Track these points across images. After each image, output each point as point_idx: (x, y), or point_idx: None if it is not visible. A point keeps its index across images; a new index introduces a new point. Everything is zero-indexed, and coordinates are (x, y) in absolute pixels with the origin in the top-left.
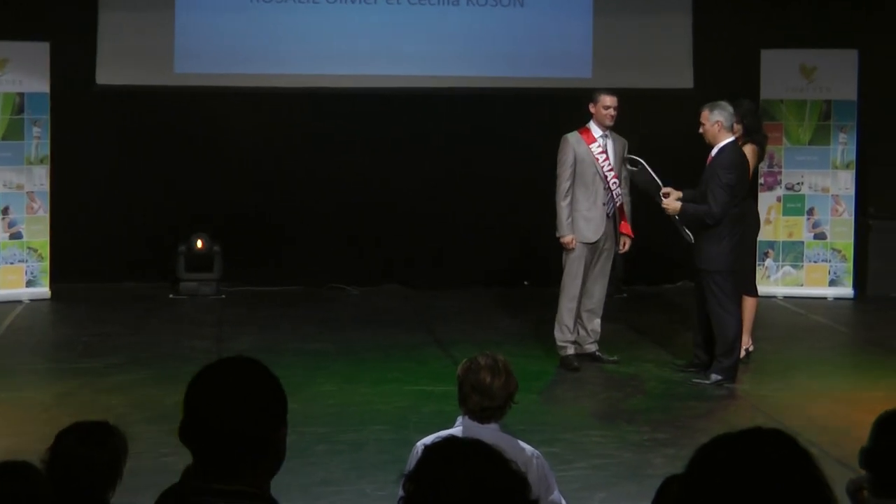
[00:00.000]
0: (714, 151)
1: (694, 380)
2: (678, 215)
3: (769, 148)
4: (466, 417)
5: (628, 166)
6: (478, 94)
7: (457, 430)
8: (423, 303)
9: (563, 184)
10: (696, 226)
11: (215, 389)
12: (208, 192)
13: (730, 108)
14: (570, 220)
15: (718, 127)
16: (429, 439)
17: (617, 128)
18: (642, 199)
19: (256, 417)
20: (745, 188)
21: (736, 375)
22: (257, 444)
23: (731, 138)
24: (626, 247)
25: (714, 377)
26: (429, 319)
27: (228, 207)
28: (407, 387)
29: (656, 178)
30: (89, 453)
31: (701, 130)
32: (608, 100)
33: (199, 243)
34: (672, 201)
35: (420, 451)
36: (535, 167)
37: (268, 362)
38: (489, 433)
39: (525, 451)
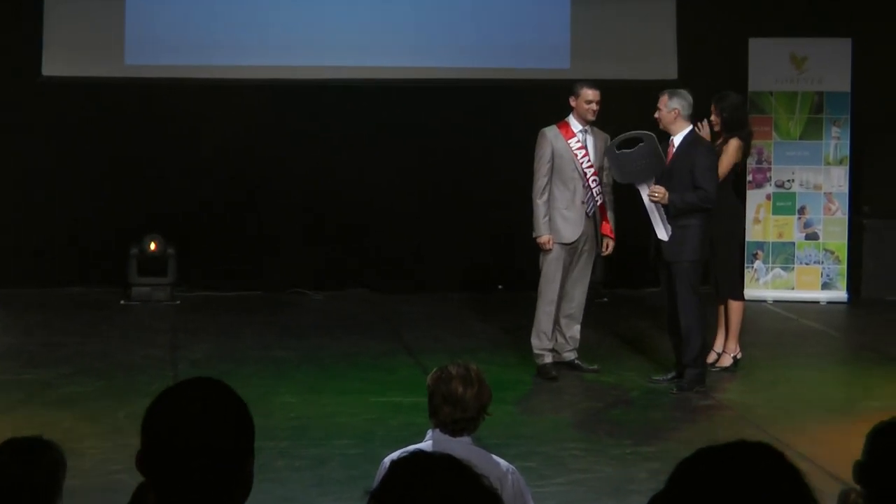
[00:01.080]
0: (677, 140)
1: (675, 389)
2: (666, 206)
3: (757, 143)
4: (437, 430)
5: (620, 150)
6: (449, 86)
7: (426, 445)
8: (391, 308)
9: (540, 181)
10: (678, 215)
11: (178, 414)
12: (162, 191)
13: (689, 99)
14: (546, 219)
15: (675, 115)
16: (396, 454)
17: (596, 122)
18: (624, 195)
19: (224, 445)
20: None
21: (705, 378)
22: (224, 475)
23: (690, 127)
24: (609, 249)
25: (682, 389)
26: (397, 326)
27: (183, 207)
28: (374, 398)
29: (660, 150)
30: (22, 472)
31: (656, 115)
32: (591, 94)
33: (153, 245)
34: (661, 188)
35: (387, 467)
36: (510, 164)
37: (225, 372)
38: (461, 447)
39: (499, 465)
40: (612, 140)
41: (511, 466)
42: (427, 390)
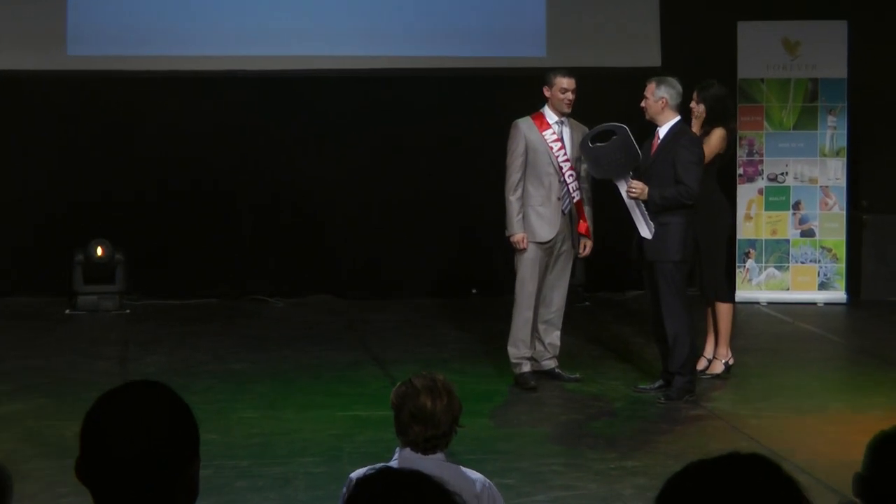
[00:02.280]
0: (663, 132)
1: (663, 398)
2: (645, 202)
3: (748, 134)
4: (407, 449)
5: (594, 144)
6: (417, 76)
7: (394, 464)
8: (358, 315)
9: (513, 176)
10: (659, 212)
11: (117, 418)
12: (109, 192)
13: (679, 88)
14: (520, 216)
15: (663, 104)
16: (362, 471)
17: (574, 113)
18: (604, 190)
19: (165, 450)
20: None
21: (695, 386)
22: (166, 480)
23: (678, 118)
24: (587, 250)
25: (670, 398)
26: (364, 334)
27: (132, 209)
28: (340, 412)
29: (635, 145)
30: None
31: (643, 104)
32: (565, 82)
33: (99, 250)
34: (639, 184)
35: (352, 485)
36: (483, 159)
37: (180, 386)
38: (433, 464)
39: (474, 482)
40: (588, 133)
41: (487, 481)
42: (392, 408)
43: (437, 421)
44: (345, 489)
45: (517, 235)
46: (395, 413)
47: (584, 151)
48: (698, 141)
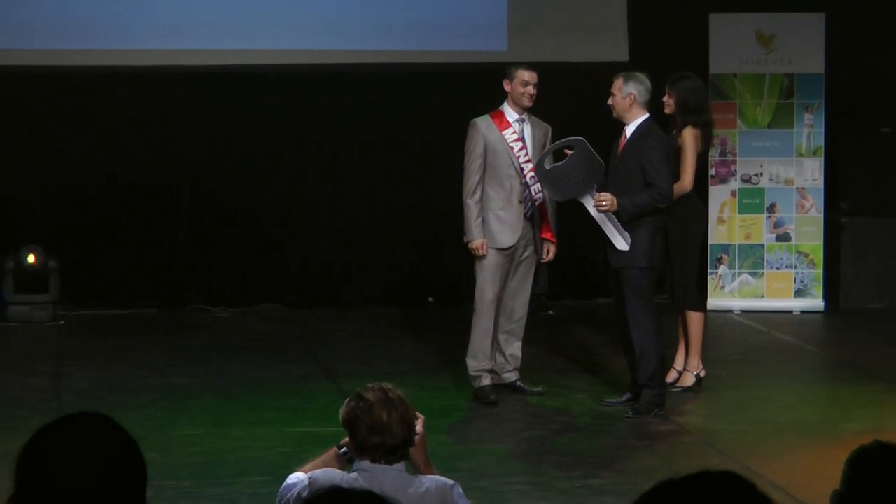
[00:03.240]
0: (630, 130)
1: (631, 412)
2: (616, 212)
3: (721, 132)
4: (366, 461)
5: (548, 165)
6: (368, 72)
7: (353, 477)
8: (308, 325)
9: (472, 178)
10: (631, 218)
11: (57, 456)
12: (41, 195)
13: (647, 84)
14: (479, 221)
15: (631, 101)
16: (301, 476)
17: (537, 111)
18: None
19: (109, 492)
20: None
21: (664, 400)
22: None
23: (646, 115)
24: (551, 255)
25: (639, 412)
26: (314, 346)
27: (67, 213)
28: (289, 428)
29: (596, 155)
30: None
31: (610, 102)
32: (526, 75)
33: (31, 258)
34: (607, 195)
35: (290, 484)
36: (439, 159)
37: (117, 402)
38: (394, 476)
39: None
40: (540, 155)
41: (456, 487)
42: (343, 425)
43: (394, 431)
44: (283, 488)
45: (476, 241)
46: (349, 429)
47: (540, 175)
48: (665, 138)
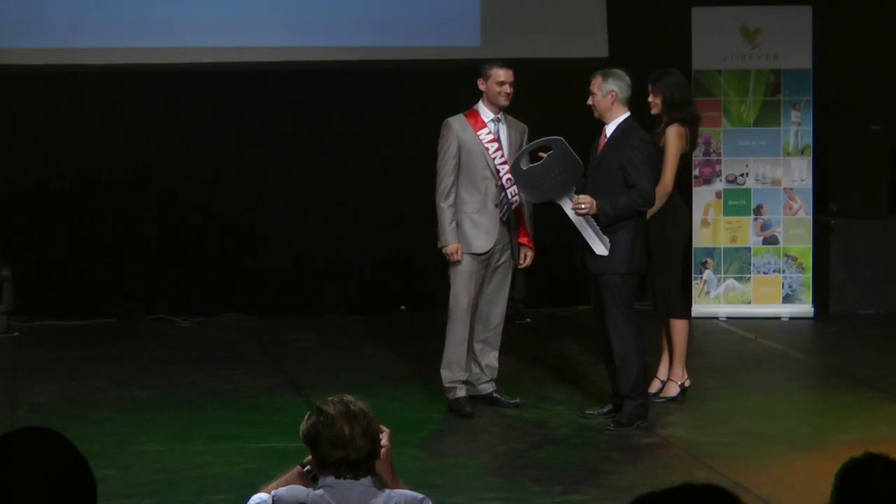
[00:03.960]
0: (610, 129)
1: (612, 424)
2: (596, 216)
3: (705, 130)
4: (331, 477)
5: (525, 166)
6: (336, 70)
7: (318, 494)
8: (273, 335)
9: (445, 180)
10: (610, 222)
11: (5, 470)
12: None
13: (627, 80)
14: (453, 225)
15: (612, 98)
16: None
17: (512, 110)
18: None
19: None
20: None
21: (647, 411)
22: None
23: (627, 114)
24: (528, 260)
25: (621, 424)
26: (280, 356)
27: (21, 219)
28: (253, 444)
29: (574, 154)
30: None
31: (590, 102)
32: (502, 74)
33: None
34: (587, 197)
35: None
36: (410, 160)
37: (75, 417)
38: (361, 490)
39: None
40: (516, 155)
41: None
42: (304, 442)
43: (357, 445)
44: None
45: (450, 247)
46: (311, 446)
47: (516, 176)
48: (646, 137)
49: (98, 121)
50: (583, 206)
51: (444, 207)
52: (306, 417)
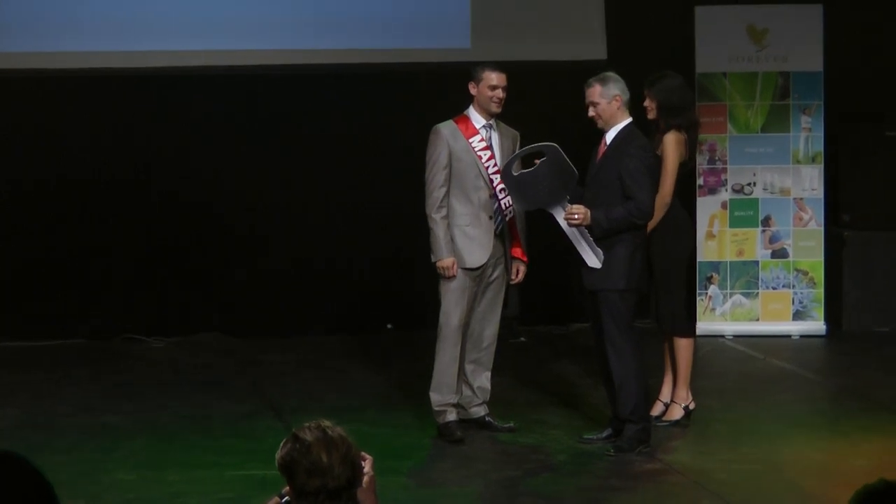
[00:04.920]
0: (611, 136)
1: (612, 450)
2: (590, 227)
3: (709, 137)
4: None
5: (516, 171)
6: (320, 74)
7: None
8: (252, 356)
9: (436, 192)
10: (606, 235)
11: None
12: None
13: (623, 82)
14: (448, 238)
15: (618, 103)
16: None
17: (504, 117)
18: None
19: None
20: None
21: (649, 435)
22: None
23: (629, 119)
24: (521, 275)
25: (621, 449)
26: (260, 379)
27: None
28: (231, 472)
29: (569, 162)
30: None
31: (592, 113)
32: (495, 77)
33: None
34: (580, 207)
35: None
36: (396, 168)
37: (40, 443)
38: None
39: None
40: (508, 159)
41: None
42: (280, 470)
43: (336, 473)
44: None
45: (445, 261)
46: (287, 476)
47: (506, 182)
48: (647, 145)
49: (64, 134)
50: (576, 216)
51: (437, 219)
52: (281, 445)
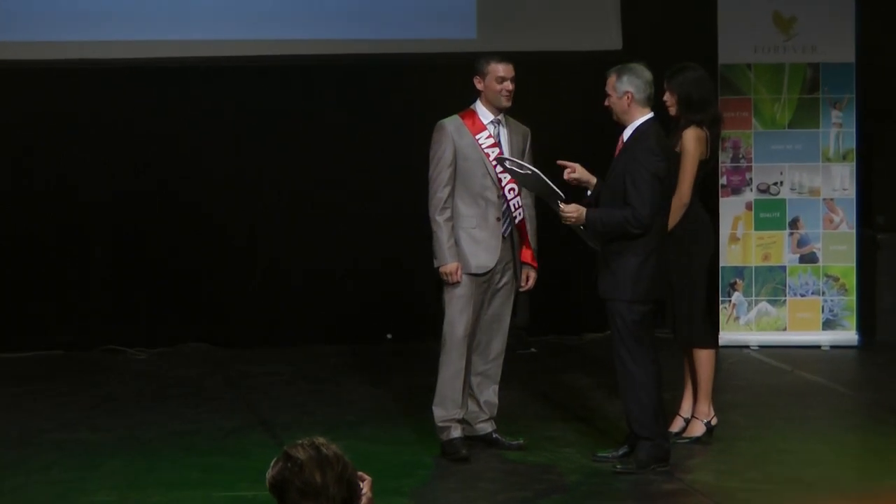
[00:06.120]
0: (627, 133)
1: (618, 466)
2: (584, 226)
3: (733, 133)
4: None
5: (505, 166)
6: (320, 65)
7: None
8: (241, 368)
9: (440, 192)
10: (608, 239)
11: None
12: None
13: (647, 76)
14: (451, 241)
15: (629, 100)
16: None
17: (514, 111)
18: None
19: None
20: (673, 187)
21: (668, 454)
22: None
23: (649, 115)
24: (531, 282)
25: (629, 468)
26: (249, 392)
27: None
28: (219, 492)
29: (553, 186)
30: None
31: (607, 103)
32: (502, 69)
33: None
34: (574, 207)
35: None
36: (397, 166)
37: (15, 461)
38: None
39: None
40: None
41: None
42: (271, 491)
43: (331, 493)
44: None
45: (449, 266)
46: (278, 497)
47: (501, 165)
48: (661, 147)
49: (40, 132)
50: (570, 214)
51: (441, 222)
52: (272, 464)
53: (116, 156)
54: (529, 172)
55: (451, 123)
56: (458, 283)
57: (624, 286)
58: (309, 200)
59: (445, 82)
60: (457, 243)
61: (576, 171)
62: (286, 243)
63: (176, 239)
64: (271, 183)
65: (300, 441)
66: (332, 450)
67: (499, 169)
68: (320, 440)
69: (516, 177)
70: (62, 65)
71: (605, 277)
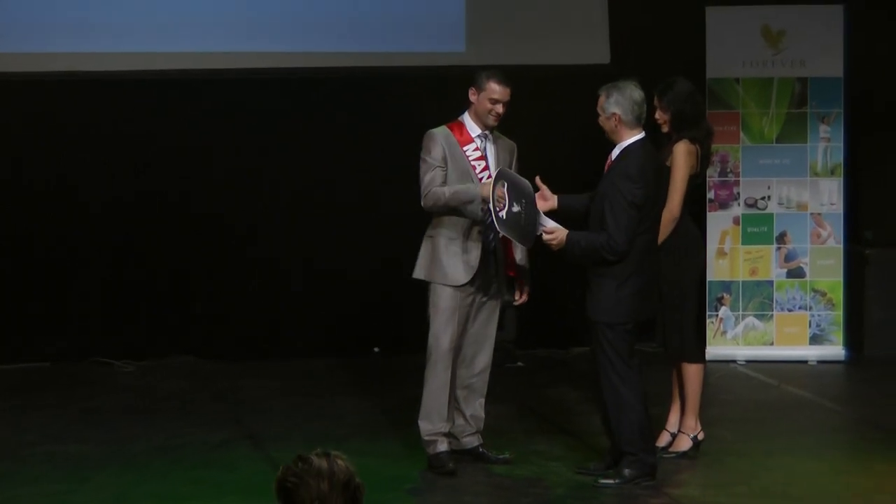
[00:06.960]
0: (615, 153)
1: (601, 480)
2: (564, 251)
3: (721, 147)
4: None
5: (504, 215)
6: (307, 77)
7: None
8: (229, 382)
9: (432, 181)
10: (587, 262)
11: None
12: None
13: (636, 94)
14: (435, 253)
15: (616, 121)
16: None
17: (502, 123)
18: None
19: None
20: (659, 207)
21: (654, 469)
22: None
23: (639, 136)
24: (524, 296)
25: (612, 482)
26: (237, 405)
27: None
28: None
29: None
30: None
31: (600, 121)
32: (498, 91)
33: None
34: (553, 227)
35: None
36: (384, 178)
37: (4, 474)
38: None
39: None
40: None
41: None
42: (278, 494)
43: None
44: None
45: (483, 186)
46: (283, 498)
47: (503, 229)
48: (641, 173)
49: (24, 141)
50: (551, 237)
51: (438, 190)
52: (280, 473)
53: (114, 164)
54: (507, 190)
55: (441, 133)
56: (440, 296)
57: (605, 309)
58: (292, 215)
59: (433, 95)
60: (436, 255)
61: (546, 201)
62: (273, 258)
63: (163, 251)
64: (258, 199)
65: (302, 455)
66: (345, 462)
67: (485, 179)
68: (330, 452)
69: (517, 229)
70: (57, 76)
71: (588, 299)
